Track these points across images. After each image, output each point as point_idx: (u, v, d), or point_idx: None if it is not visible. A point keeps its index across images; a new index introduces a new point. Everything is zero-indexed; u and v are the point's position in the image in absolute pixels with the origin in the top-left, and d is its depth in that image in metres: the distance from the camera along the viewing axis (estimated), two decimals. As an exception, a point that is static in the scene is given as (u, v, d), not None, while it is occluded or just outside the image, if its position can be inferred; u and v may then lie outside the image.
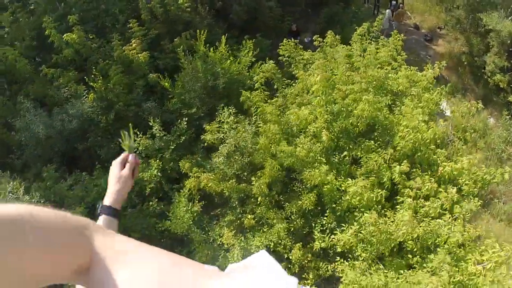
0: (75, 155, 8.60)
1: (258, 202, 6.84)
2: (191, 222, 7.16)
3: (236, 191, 6.99)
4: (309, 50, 9.03)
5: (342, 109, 5.83)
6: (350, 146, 5.72)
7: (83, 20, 10.23)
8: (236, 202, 7.37)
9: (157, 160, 7.90)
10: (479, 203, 6.31)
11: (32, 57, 10.57)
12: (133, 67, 9.34)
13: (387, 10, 14.13)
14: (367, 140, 5.82)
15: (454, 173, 5.17)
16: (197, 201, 7.62)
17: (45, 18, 9.40)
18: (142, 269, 0.59)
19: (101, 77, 8.81)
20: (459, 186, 5.96)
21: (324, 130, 5.53)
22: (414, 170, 5.84)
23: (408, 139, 5.26)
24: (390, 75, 7.31)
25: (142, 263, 0.60)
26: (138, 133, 7.59)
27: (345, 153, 5.75)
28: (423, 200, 5.51)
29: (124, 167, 1.31)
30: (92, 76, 8.86)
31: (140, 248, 0.64)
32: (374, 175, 5.23)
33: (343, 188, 5.21)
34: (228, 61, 8.57)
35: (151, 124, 7.76)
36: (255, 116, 6.80)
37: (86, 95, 8.91)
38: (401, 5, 14.52)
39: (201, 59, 8.48)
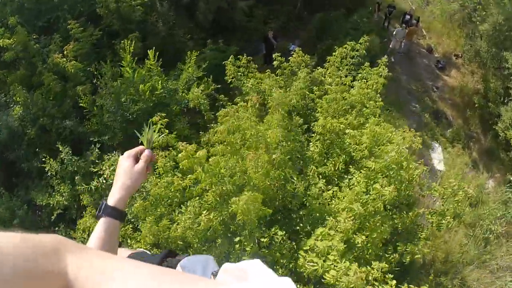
0: (7, 166, 8.12)
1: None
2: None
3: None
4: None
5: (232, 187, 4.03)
6: (241, 239, 3.97)
7: (32, 15, 9.35)
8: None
9: (67, 185, 6.95)
10: None
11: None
12: (70, 75, 8.23)
13: (398, 29, 11.92)
14: (273, 229, 4.05)
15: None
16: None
17: None
18: None
19: (22, 89, 7.92)
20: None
21: (206, 210, 3.80)
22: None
23: (310, 261, 3.47)
24: (348, 130, 5.45)
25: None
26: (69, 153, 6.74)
27: (240, 238, 4.03)
28: None
29: (137, 161, 1.16)
30: (14, 87, 8.01)
31: (125, 266, 0.57)
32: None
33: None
34: (148, 83, 7.13)
35: (60, 148, 6.78)
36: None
37: (14, 104, 8.13)
38: (415, 21, 12.28)
39: (126, 76, 7.22)
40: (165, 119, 5.28)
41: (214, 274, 0.97)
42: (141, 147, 1.21)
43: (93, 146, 7.05)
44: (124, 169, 1.13)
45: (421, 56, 12.89)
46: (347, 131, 5.41)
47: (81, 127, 7.70)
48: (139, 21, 9.28)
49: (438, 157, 9.79)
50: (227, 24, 10.51)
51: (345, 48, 7.39)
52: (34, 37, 8.77)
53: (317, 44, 11.39)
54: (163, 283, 0.52)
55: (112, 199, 1.10)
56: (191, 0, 10.06)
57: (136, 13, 9.08)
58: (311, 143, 5.64)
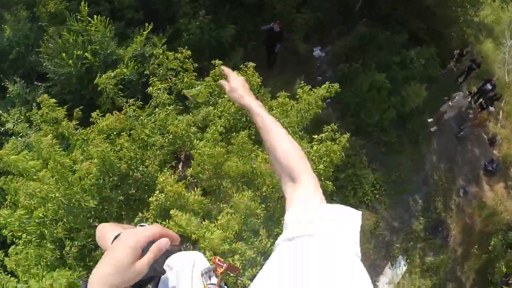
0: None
1: None
2: None
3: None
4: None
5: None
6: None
7: None
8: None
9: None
10: None
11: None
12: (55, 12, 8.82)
13: (459, 93, 9.26)
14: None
15: None
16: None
17: None
18: None
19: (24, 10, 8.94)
20: None
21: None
22: None
23: None
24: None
25: None
26: None
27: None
28: None
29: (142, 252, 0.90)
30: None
31: None
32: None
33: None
34: (75, 51, 7.26)
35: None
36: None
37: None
38: (493, 100, 9.45)
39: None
40: (52, 100, 5.36)
41: (203, 273, 1.07)
42: (155, 231, 0.92)
43: (39, 86, 7.93)
44: (118, 262, 0.84)
45: (476, 143, 10.19)
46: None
47: (40, 66, 8.11)
48: None
49: (391, 277, 7.74)
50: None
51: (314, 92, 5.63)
52: None
53: (342, 62, 9.23)
54: None
55: None
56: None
57: None
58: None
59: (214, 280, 1.08)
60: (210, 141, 4.84)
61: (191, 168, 4.86)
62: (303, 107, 5.15)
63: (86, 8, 7.28)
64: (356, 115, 8.86)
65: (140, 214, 4.89)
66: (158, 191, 4.65)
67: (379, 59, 9.18)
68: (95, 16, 7.21)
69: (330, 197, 7.44)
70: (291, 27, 9.21)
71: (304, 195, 1.01)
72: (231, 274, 1.12)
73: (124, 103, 6.08)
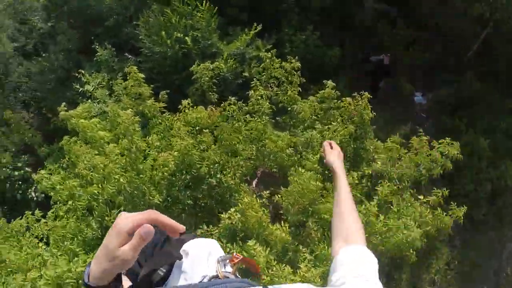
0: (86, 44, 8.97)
1: None
2: None
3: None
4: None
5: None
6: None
7: None
8: None
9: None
10: None
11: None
12: None
13: None
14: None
15: None
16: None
17: None
18: None
19: None
20: None
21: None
22: None
23: None
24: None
25: None
26: None
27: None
28: None
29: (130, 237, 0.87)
30: None
31: None
32: None
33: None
34: (176, 33, 6.81)
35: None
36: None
37: None
38: None
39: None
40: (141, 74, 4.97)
41: (220, 260, 1.11)
42: (144, 218, 0.86)
43: (129, 58, 7.68)
44: (106, 245, 0.85)
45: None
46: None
47: (134, 39, 7.95)
48: None
49: None
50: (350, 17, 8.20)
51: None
52: None
53: (444, 114, 8.29)
54: None
55: (91, 275, 0.88)
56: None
57: None
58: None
59: (229, 269, 1.11)
60: (310, 171, 4.14)
61: (279, 196, 4.18)
62: (425, 162, 4.30)
63: None
64: (450, 181, 7.88)
65: (204, 227, 4.28)
66: (234, 209, 4.02)
67: (485, 121, 8.17)
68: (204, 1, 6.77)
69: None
70: (398, 63, 8.44)
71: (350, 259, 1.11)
72: (250, 270, 1.18)
73: (216, 100, 5.56)
